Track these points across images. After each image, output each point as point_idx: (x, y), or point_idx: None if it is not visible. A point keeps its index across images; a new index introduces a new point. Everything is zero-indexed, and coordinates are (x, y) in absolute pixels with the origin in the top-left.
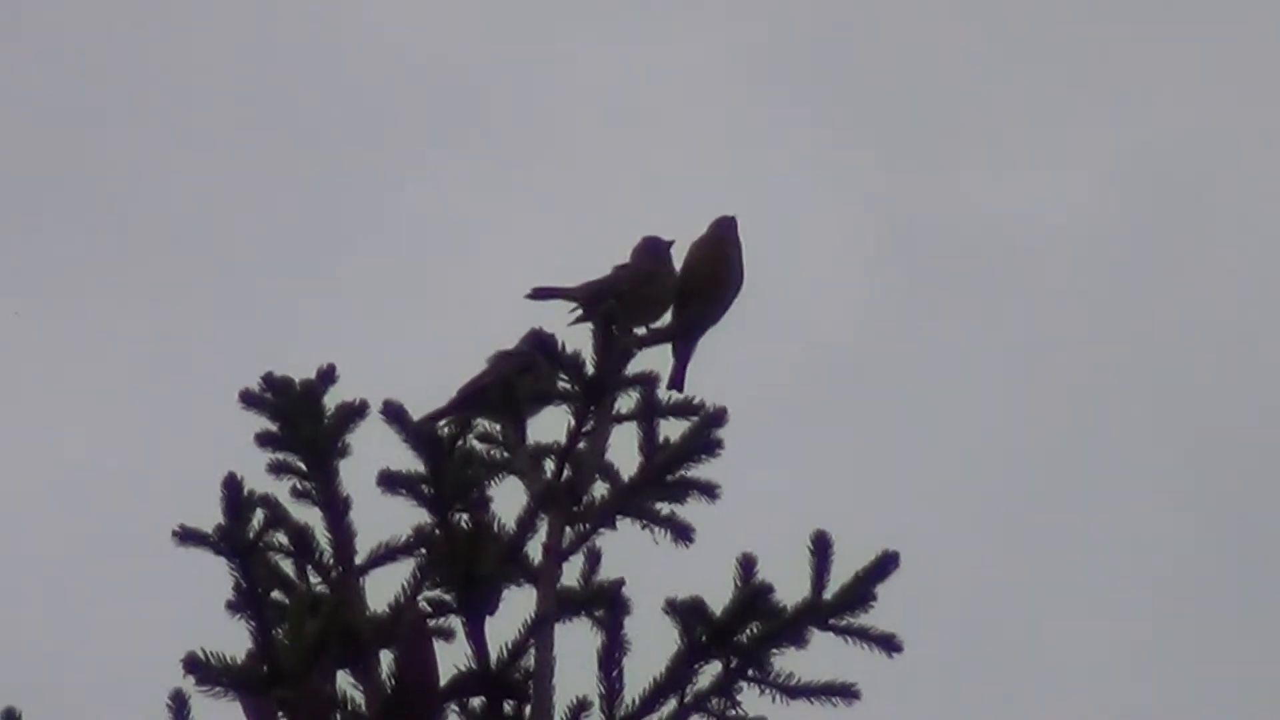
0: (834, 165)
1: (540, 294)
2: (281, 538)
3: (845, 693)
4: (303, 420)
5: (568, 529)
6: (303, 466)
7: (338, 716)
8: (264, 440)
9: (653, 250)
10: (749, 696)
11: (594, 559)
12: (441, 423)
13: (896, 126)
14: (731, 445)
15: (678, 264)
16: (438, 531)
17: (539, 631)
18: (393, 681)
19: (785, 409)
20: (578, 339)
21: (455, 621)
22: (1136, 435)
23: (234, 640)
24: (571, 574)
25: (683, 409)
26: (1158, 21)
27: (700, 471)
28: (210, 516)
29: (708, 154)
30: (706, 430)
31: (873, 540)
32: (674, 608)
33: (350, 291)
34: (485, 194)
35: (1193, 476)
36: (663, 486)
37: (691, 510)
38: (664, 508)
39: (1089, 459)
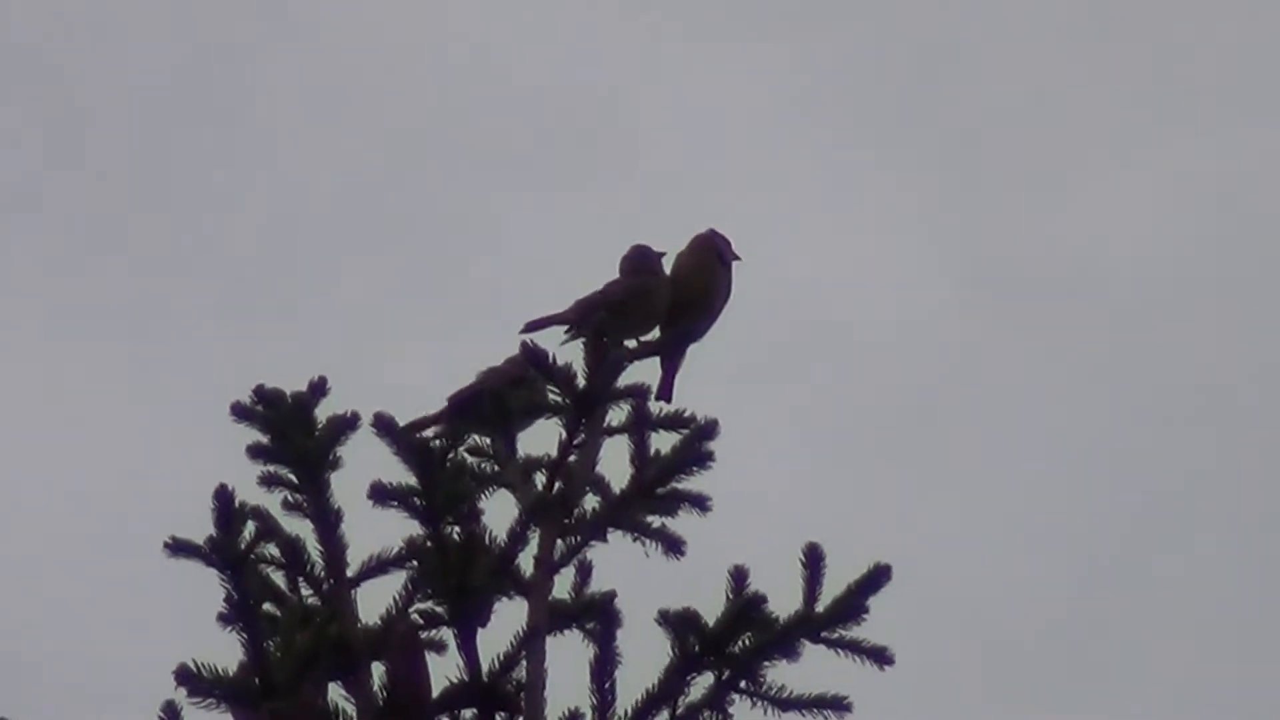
0: (907, 200)
1: (533, 326)
2: (273, 550)
3: (837, 705)
4: (294, 433)
5: (559, 541)
6: (294, 479)
7: None
8: (255, 452)
9: (641, 260)
10: (741, 708)
11: (585, 571)
12: (431, 434)
13: (971, 160)
14: (809, 478)
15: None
16: (429, 544)
17: (531, 643)
18: (384, 693)
19: (863, 443)
20: (569, 352)
21: (447, 633)
22: (1216, 470)
23: (226, 652)
24: (563, 586)
25: (674, 422)
26: (1233, 49)
27: (691, 484)
28: (202, 528)
29: (778, 190)
30: (698, 443)
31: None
32: (666, 619)
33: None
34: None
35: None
36: (654, 499)
37: (683, 522)
38: (655, 520)
39: (1167, 491)
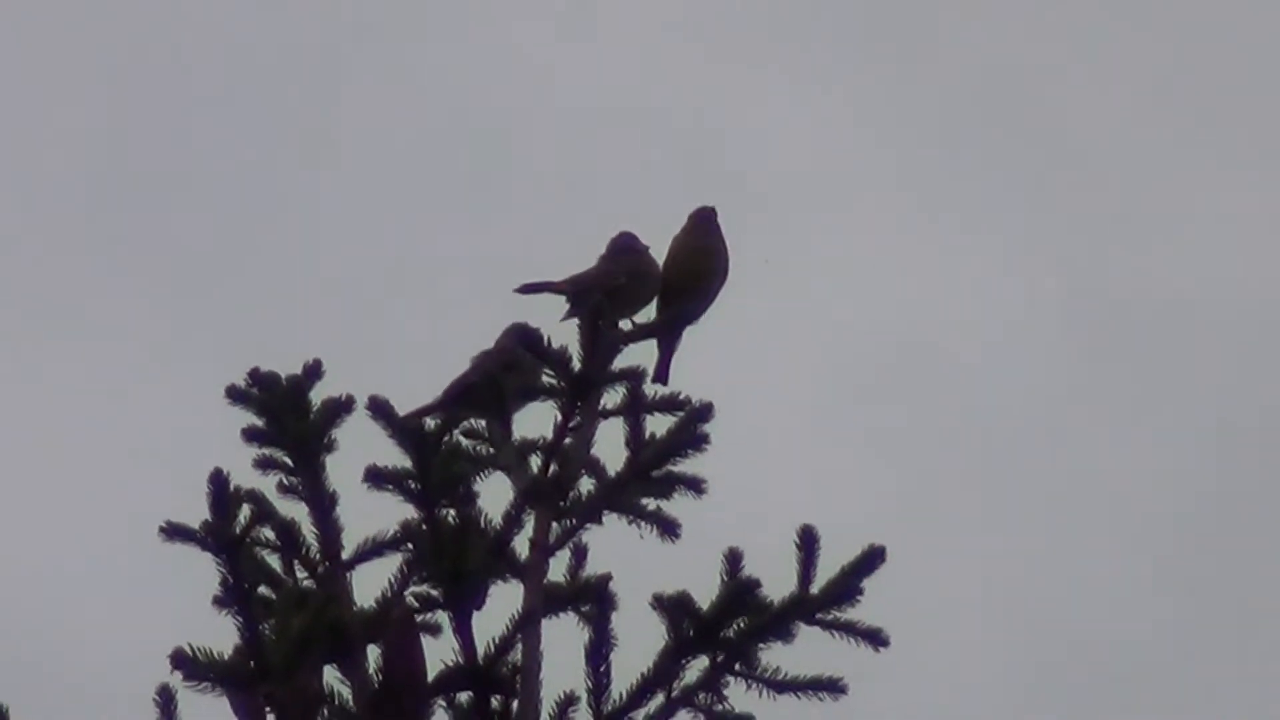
0: (1014, 235)
1: (528, 289)
2: (268, 533)
3: (832, 687)
4: (289, 415)
5: (554, 524)
6: (289, 462)
7: (325, 712)
8: (250, 435)
9: (627, 246)
10: (736, 691)
11: (580, 554)
12: (427, 419)
13: (1077, 194)
14: (896, 506)
15: (659, 258)
16: (424, 527)
17: (526, 626)
18: (380, 677)
19: (968, 477)
20: (563, 334)
21: (442, 617)
22: None
23: (221, 635)
24: (558, 569)
25: (669, 404)
26: None
27: (686, 466)
28: (197, 512)
29: (885, 223)
30: (693, 425)
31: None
32: (661, 603)
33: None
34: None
35: None
36: (649, 482)
37: (678, 505)
38: (650, 503)
39: (1266, 525)
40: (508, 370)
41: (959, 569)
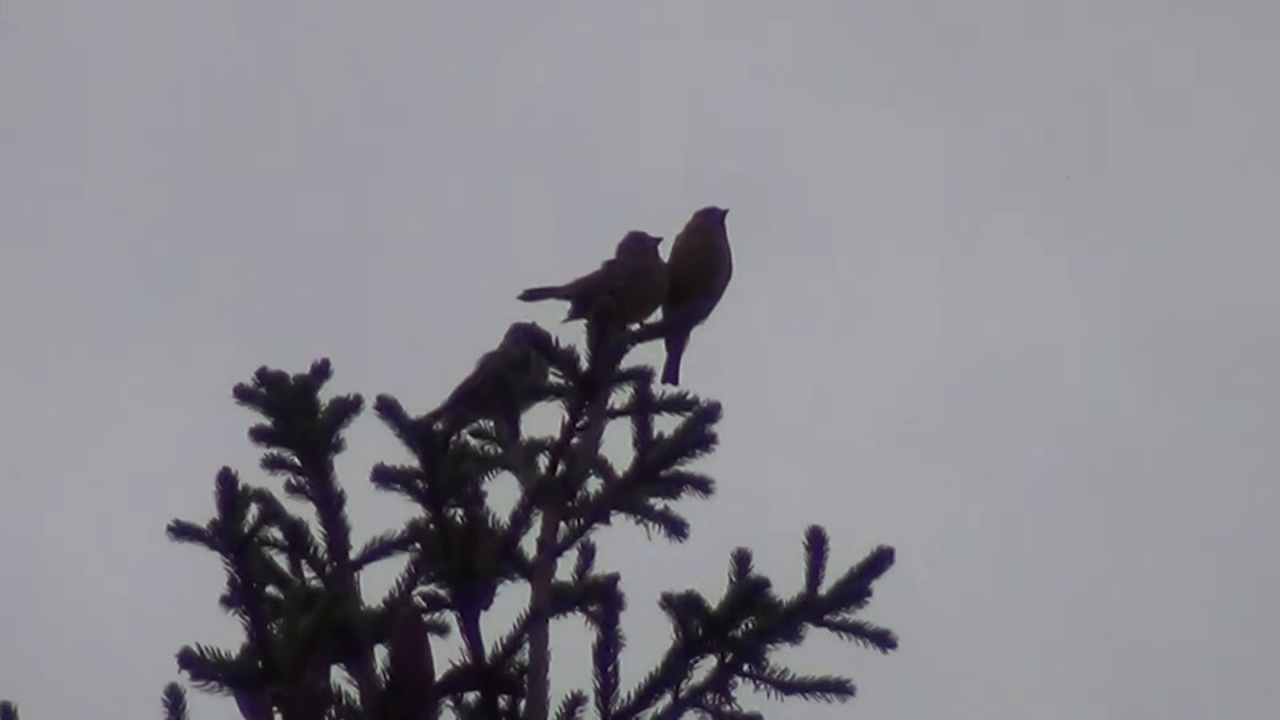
0: (1093, 258)
1: (532, 295)
2: (276, 533)
3: (840, 688)
4: (297, 415)
5: (562, 524)
6: (297, 462)
7: (332, 712)
8: (258, 435)
9: (638, 245)
10: (744, 692)
11: (588, 554)
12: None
13: (1157, 217)
14: (975, 538)
15: (664, 258)
16: (432, 527)
17: (534, 626)
18: (387, 676)
19: (1048, 502)
20: (571, 334)
21: (450, 617)
22: None
23: (229, 635)
24: (566, 569)
25: (677, 404)
26: None
27: (694, 466)
28: (205, 511)
29: (960, 244)
30: (700, 425)
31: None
32: (669, 603)
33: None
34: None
35: None
36: (657, 481)
37: (686, 505)
38: (658, 503)
39: None
40: (514, 370)
41: (1034, 590)
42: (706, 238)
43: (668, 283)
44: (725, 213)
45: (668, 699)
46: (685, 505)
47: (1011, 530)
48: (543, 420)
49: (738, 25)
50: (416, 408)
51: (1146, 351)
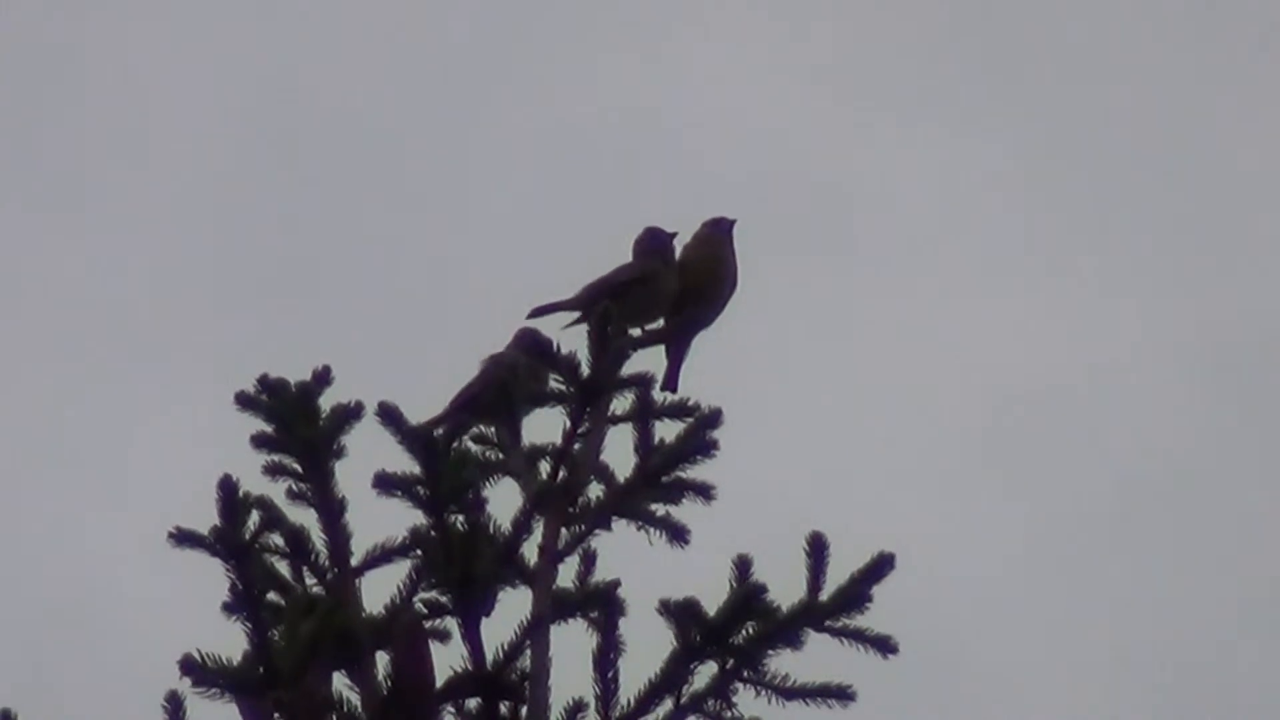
0: (1148, 278)
1: (540, 312)
2: (277, 539)
3: (841, 694)
4: (298, 422)
5: (563, 530)
6: (298, 468)
7: (334, 718)
8: (260, 442)
9: (653, 242)
10: (745, 697)
11: (589, 560)
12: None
13: (1209, 231)
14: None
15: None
16: (433, 533)
17: (535, 633)
18: (389, 683)
19: (1104, 521)
20: (573, 340)
21: (451, 623)
22: None
23: (230, 642)
24: (567, 575)
25: (678, 410)
26: None
27: (695, 472)
28: (206, 518)
29: (1007, 260)
30: (702, 431)
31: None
32: (669, 609)
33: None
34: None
35: None
36: (658, 487)
37: (687, 511)
38: (659, 509)
39: None
40: (515, 375)
41: (1079, 609)
42: (713, 248)
43: (678, 283)
44: (733, 223)
45: (668, 705)
46: (686, 511)
47: (1058, 549)
48: (544, 426)
49: (781, 38)
50: (418, 414)
51: (1196, 369)
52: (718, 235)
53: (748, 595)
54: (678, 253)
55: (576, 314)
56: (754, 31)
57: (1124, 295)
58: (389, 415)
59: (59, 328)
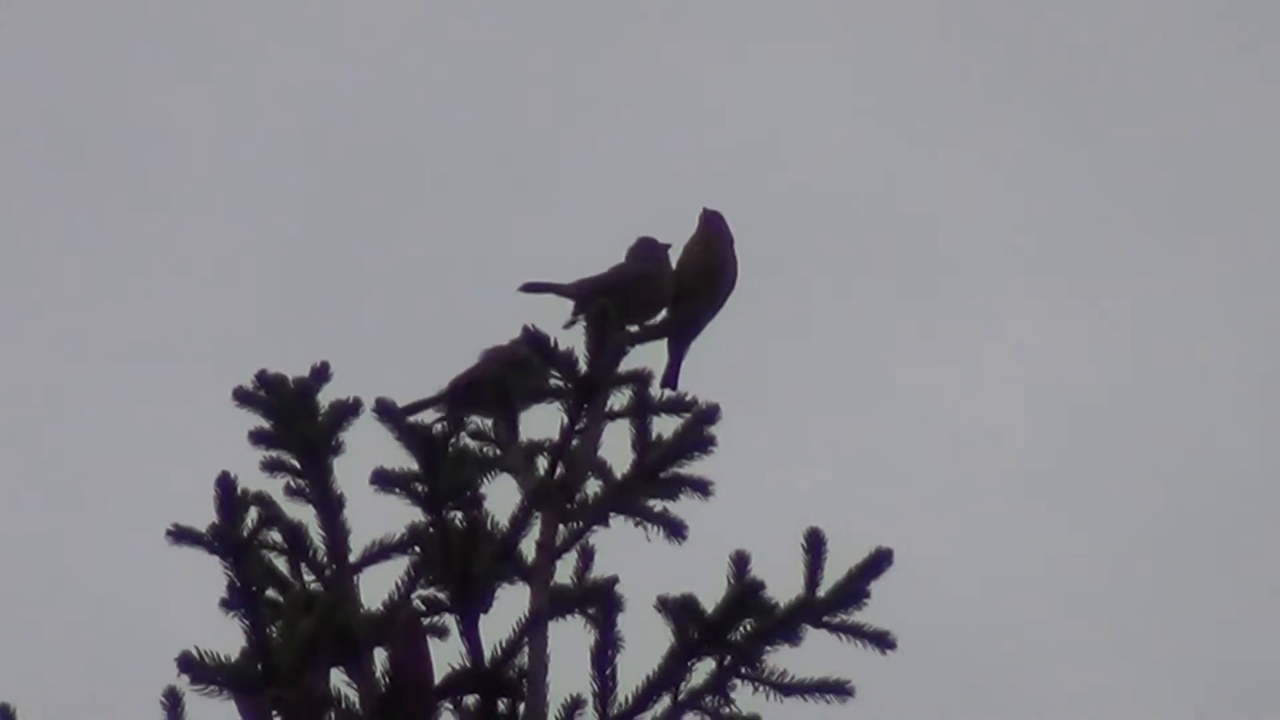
0: (1221, 298)
1: (531, 288)
2: (275, 536)
3: (839, 690)
4: (296, 418)
5: (561, 527)
6: (296, 464)
7: (332, 715)
8: (258, 438)
9: (647, 251)
10: (743, 694)
11: (587, 556)
12: (433, 418)
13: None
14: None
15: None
16: (432, 530)
17: (533, 629)
18: (387, 680)
19: (1182, 543)
20: (570, 336)
21: (449, 619)
22: None
23: (228, 639)
24: (565, 572)
25: (676, 406)
26: None
27: (693, 468)
28: (204, 515)
29: (1073, 279)
30: (699, 427)
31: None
32: (667, 605)
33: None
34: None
35: None
36: (656, 484)
37: (684, 507)
38: (657, 505)
39: None
40: (513, 368)
41: (1143, 632)
42: (714, 244)
43: (673, 290)
44: (727, 232)
45: (666, 702)
46: (684, 507)
47: (1120, 568)
48: (542, 422)
49: (856, 58)
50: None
51: (1263, 390)
52: (718, 232)
53: (746, 592)
54: (675, 256)
55: (569, 302)
56: (836, 54)
57: (1198, 314)
58: (387, 412)
59: (58, 325)
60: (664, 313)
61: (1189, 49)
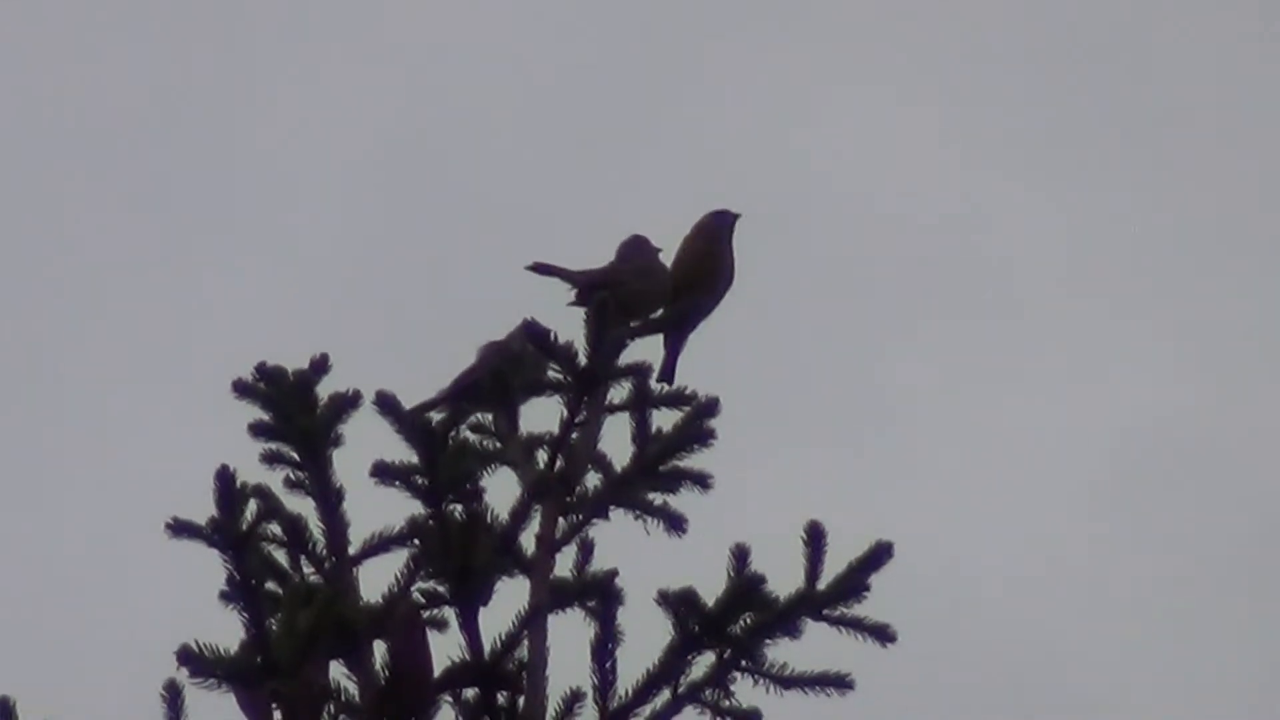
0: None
1: (540, 269)
2: (275, 529)
3: (839, 683)
4: (296, 410)
5: (561, 520)
6: (296, 457)
7: (331, 708)
8: (257, 430)
9: (639, 247)
10: (743, 687)
11: (587, 550)
12: (433, 412)
13: None
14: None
15: (668, 259)
16: (431, 523)
17: (532, 623)
18: (386, 673)
19: (1232, 568)
20: (570, 330)
21: (449, 613)
22: None
23: (227, 632)
24: (565, 565)
25: (675, 399)
26: None
27: (693, 461)
28: (203, 507)
29: (1152, 308)
30: (699, 420)
31: None
32: (667, 599)
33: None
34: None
35: None
36: (655, 477)
37: (684, 500)
38: (657, 498)
39: None
40: (513, 363)
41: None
42: (710, 240)
43: (670, 284)
44: (736, 217)
45: (666, 695)
46: (684, 500)
47: (1194, 595)
48: (541, 415)
49: (933, 90)
50: (416, 400)
51: None
52: (717, 226)
53: (746, 585)
54: (676, 246)
55: (573, 290)
56: (913, 87)
57: (1250, 340)
58: (387, 404)
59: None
60: (662, 308)
61: (1252, 78)
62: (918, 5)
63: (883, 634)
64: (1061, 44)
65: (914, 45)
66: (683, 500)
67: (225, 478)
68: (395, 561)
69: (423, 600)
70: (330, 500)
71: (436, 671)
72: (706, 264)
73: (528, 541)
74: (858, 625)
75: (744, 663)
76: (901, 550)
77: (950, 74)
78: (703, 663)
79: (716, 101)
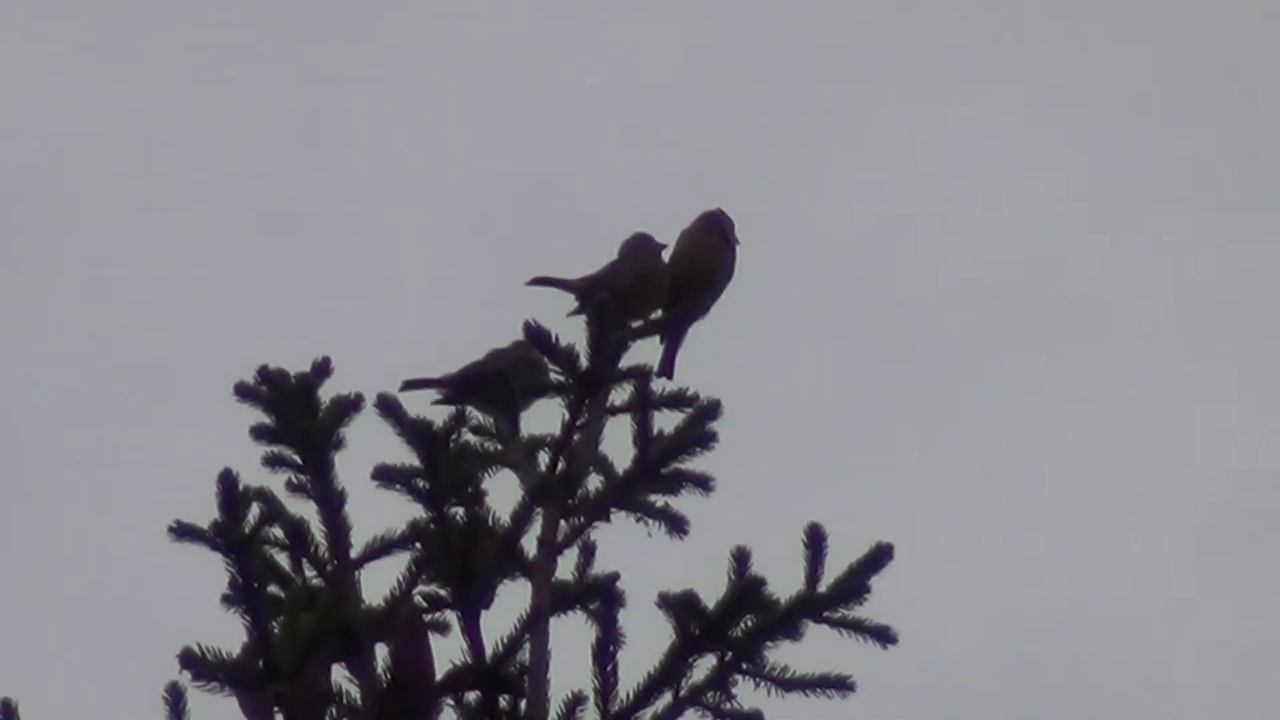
0: None
1: (540, 282)
2: (277, 532)
3: (840, 685)
4: (298, 414)
5: (562, 522)
6: (298, 460)
7: (333, 711)
8: (259, 433)
9: (642, 245)
10: (744, 689)
11: (589, 552)
12: (434, 402)
13: None
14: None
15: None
16: (433, 525)
17: (534, 625)
18: (388, 675)
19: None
20: (572, 333)
21: (450, 615)
22: None
23: (230, 635)
24: (566, 567)
25: (677, 401)
26: None
27: (694, 464)
28: (206, 511)
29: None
30: (700, 423)
31: None
32: (668, 601)
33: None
34: None
35: None
36: (657, 479)
37: (685, 502)
38: (658, 500)
39: None
40: (517, 366)
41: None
42: (711, 236)
43: (669, 283)
44: (731, 225)
45: (667, 698)
46: (685, 502)
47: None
48: (543, 418)
49: (1039, 129)
50: (418, 406)
51: None
52: (717, 224)
53: (747, 588)
54: (674, 242)
55: (576, 298)
56: (1000, 132)
57: None
58: (389, 408)
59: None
60: (662, 306)
61: None
62: (1022, 47)
63: (884, 636)
64: (1168, 83)
65: (1019, 83)
66: (684, 502)
67: (228, 481)
68: (397, 564)
69: (424, 603)
70: (332, 503)
71: (438, 674)
72: (707, 263)
73: (529, 544)
74: (858, 627)
75: (745, 665)
76: (1020, 583)
77: (1055, 114)
78: (704, 665)
79: (828, 148)
